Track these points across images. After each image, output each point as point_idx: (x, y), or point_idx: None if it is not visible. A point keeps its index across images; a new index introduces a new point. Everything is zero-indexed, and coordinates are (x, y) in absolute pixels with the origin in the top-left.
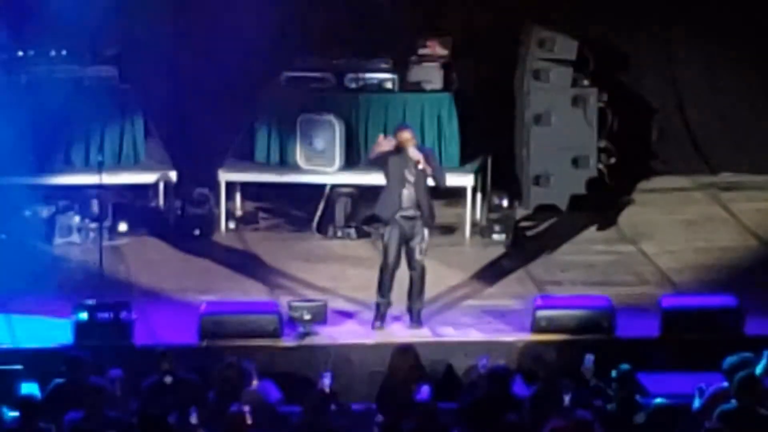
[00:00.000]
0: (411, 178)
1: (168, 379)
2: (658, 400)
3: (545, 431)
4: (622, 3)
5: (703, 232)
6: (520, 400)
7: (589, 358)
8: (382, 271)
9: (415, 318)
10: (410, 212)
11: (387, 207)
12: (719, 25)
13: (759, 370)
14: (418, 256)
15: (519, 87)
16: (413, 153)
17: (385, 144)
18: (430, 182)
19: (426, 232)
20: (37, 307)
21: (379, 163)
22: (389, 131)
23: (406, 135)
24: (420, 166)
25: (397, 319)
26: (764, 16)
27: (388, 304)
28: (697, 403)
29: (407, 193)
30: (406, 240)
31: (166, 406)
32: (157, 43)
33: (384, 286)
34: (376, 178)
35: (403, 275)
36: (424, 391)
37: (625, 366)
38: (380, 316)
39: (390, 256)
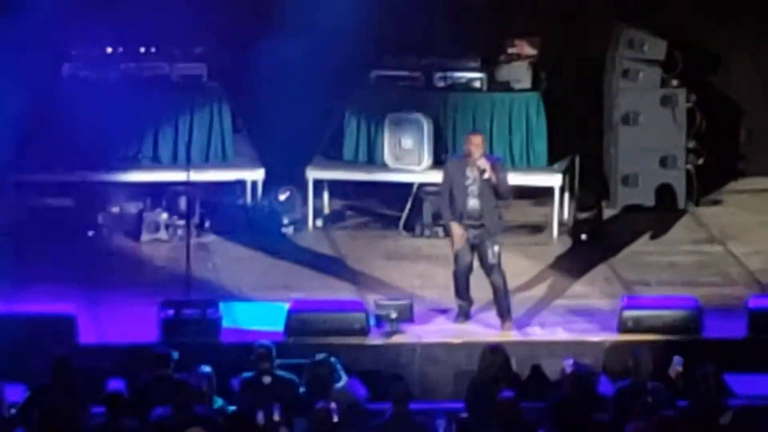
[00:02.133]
0: (475, 188)
1: (266, 380)
2: (745, 401)
3: (629, 431)
4: (711, 3)
5: None
6: (605, 400)
7: (678, 360)
8: (454, 275)
9: (506, 320)
10: (475, 222)
11: (449, 214)
12: None
13: None
14: (490, 260)
15: (607, 87)
16: (481, 162)
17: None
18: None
19: (496, 238)
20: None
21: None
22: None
23: (476, 141)
24: (486, 176)
25: (483, 319)
26: None
27: (470, 303)
28: None
29: (472, 203)
30: (475, 247)
31: (258, 403)
32: (245, 41)
33: (459, 289)
34: None
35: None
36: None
37: (711, 367)
38: (463, 314)
39: (459, 261)
